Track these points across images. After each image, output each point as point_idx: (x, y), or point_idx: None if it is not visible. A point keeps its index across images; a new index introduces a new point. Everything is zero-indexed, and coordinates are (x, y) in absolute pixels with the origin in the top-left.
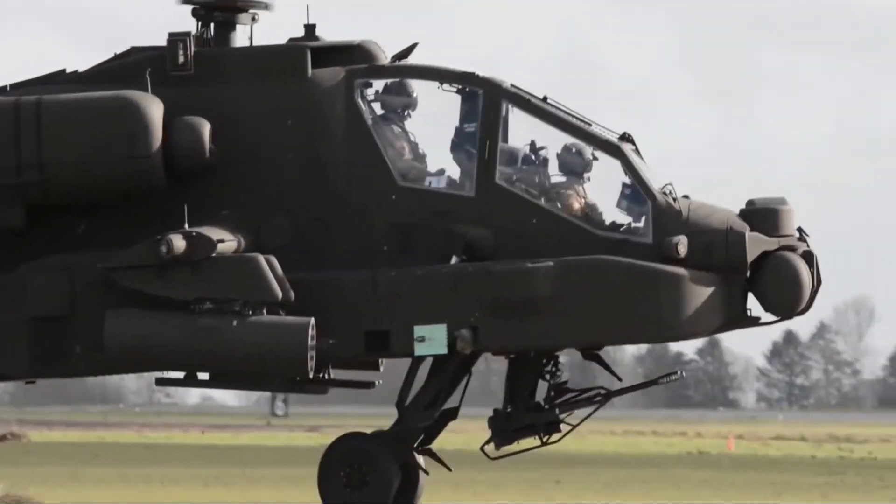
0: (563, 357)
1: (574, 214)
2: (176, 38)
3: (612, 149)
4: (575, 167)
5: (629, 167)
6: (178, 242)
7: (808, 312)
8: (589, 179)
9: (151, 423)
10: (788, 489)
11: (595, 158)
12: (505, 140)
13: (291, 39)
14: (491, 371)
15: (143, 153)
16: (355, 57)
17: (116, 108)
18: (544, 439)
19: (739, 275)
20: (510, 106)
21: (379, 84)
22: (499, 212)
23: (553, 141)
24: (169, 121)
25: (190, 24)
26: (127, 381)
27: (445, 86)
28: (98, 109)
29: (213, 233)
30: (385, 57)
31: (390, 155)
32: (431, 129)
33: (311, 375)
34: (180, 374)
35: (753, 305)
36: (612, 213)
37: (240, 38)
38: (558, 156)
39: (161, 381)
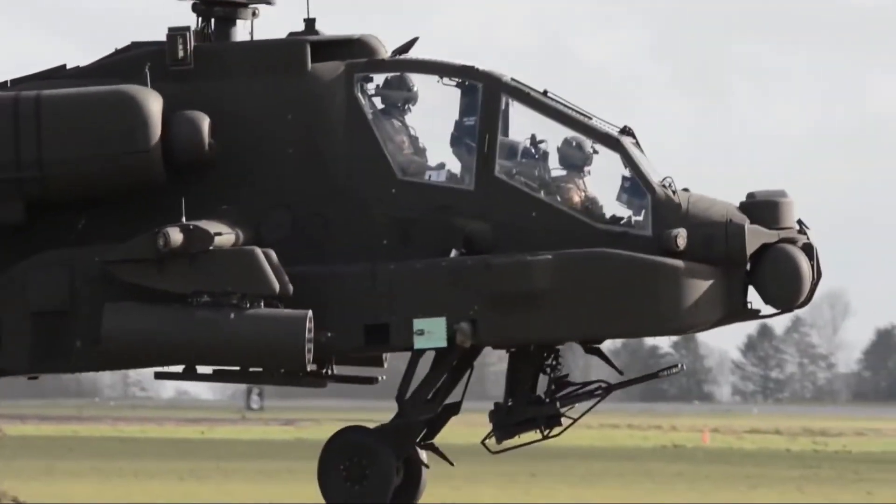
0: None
1: (574, 208)
2: (175, 33)
3: (611, 142)
4: (575, 160)
5: (629, 160)
6: (176, 235)
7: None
8: (589, 173)
9: (126, 416)
10: (763, 482)
11: (595, 152)
12: (505, 134)
13: (291, 34)
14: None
15: (142, 148)
16: (355, 51)
17: (115, 102)
18: (545, 433)
19: (739, 267)
20: (510, 99)
21: (379, 78)
22: (498, 205)
23: (553, 134)
24: (168, 115)
25: (191, 20)
26: (102, 374)
27: (445, 80)
28: (97, 104)
29: (211, 226)
30: (385, 51)
31: (390, 149)
32: (432, 123)
33: (308, 368)
34: (178, 369)
35: (754, 298)
36: (613, 207)
37: (240, 33)
38: (558, 149)
39: (160, 375)
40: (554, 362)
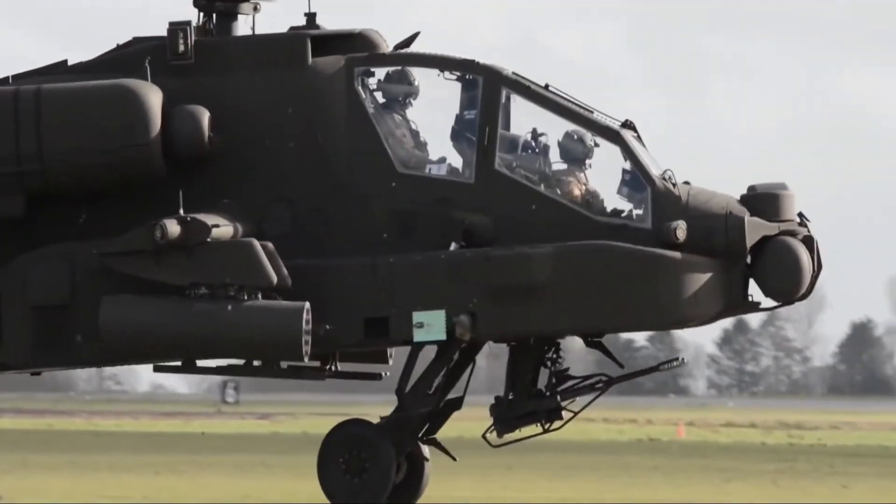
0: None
1: (574, 201)
2: (176, 28)
3: (611, 135)
4: (576, 154)
5: (629, 153)
6: (173, 227)
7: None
8: (590, 166)
9: (101, 410)
10: (738, 476)
11: (596, 145)
12: (507, 127)
13: (292, 28)
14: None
15: (142, 141)
16: (356, 45)
17: (115, 96)
18: (546, 426)
19: (739, 260)
20: (511, 93)
21: (379, 72)
22: (498, 198)
23: (554, 128)
24: (168, 109)
25: (193, 16)
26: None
27: (446, 73)
28: (97, 98)
29: (209, 218)
30: (386, 45)
31: (390, 143)
32: (433, 116)
33: (306, 360)
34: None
35: (755, 292)
36: (614, 200)
37: (242, 28)
38: (559, 143)
39: (159, 368)
40: (554, 356)
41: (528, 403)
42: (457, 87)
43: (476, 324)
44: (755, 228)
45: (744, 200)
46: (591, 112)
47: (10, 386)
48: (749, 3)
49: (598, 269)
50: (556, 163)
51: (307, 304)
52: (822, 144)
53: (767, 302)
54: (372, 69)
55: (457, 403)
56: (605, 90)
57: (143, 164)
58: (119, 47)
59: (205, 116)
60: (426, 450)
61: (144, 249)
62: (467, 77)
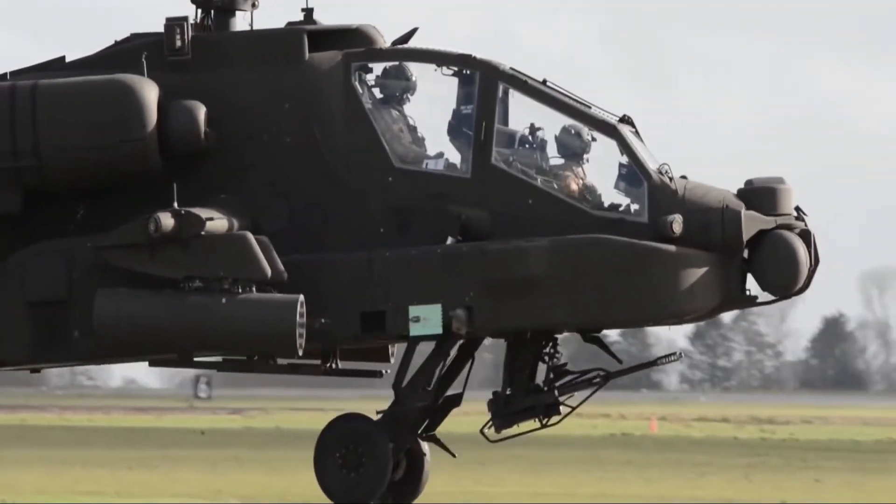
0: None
1: (571, 195)
2: (173, 23)
3: (608, 129)
4: (573, 148)
5: (625, 147)
6: (167, 220)
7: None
8: (587, 161)
9: (74, 405)
10: (711, 470)
11: (593, 139)
12: (504, 122)
13: (289, 23)
14: None
15: (138, 136)
16: (354, 41)
17: (111, 91)
18: (544, 421)
19: (736, 253)
20: (508, 88)
21: (376, 67)
22: (495, 193)
23: (552, 123)
24: (165, 105)
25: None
26: None
27: (443, 68)
28: (93, 93)
29: (204, 212)
30: (384, 41)
31: (387, 138)
32: (430, 111)
33: (300, 353)
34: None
35: (753, 287)
36: (611, 195)
37: (240, 24)
38: (556, 137)
39: (155, 363)
40: (552, 351)
41: (526, 399)
42: (454, 83)
43: (472, 318)
44: (751, 222)
45: (741, 194)
46: (589, 107)
47: None
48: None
49: (594, 262)
50: (554, 157)
51: (301, 297)
52: (793, 139)
53: (765, 296)
54: (369, 64)
55: (456, 400)
56: (578, 84)
57: (139, 160)
58: (117, 43)
59: (201, 111)
60: (426, 447)
61: (139, 243)
62: (464, 72)
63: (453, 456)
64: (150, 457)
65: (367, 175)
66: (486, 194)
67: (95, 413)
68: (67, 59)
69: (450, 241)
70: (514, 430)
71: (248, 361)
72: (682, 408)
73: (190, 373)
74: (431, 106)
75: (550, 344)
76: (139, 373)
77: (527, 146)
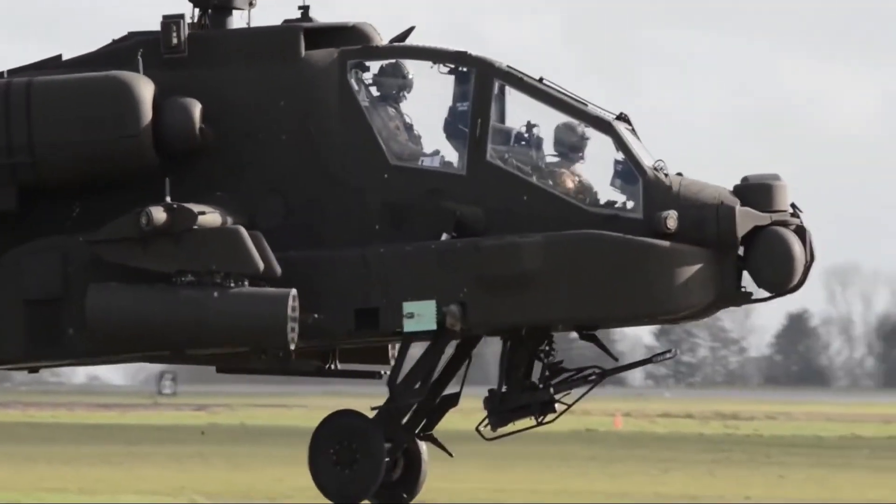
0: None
1: (567, 192)
2: (170, 21)
3: (603, 126)
4: (569, 146)
5: (620, 143)
6: (159, 214)
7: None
8: (583, 158)
9: (37, 402)
10: (675, 466)
11: (589, 137)
12: (502, 120)
13: (286, 21)
14: None
15: (132, 132)
16: (350, 38)
17: (105, 87)
18: (539, 419)
19: (731, 250)
20: (504, 86)
21: (372, 65)
22: (490, 190)
23: (548, 120)
24: (161, 102)
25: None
26: None
27: (439, 66)
28: (87, 89)
29: (196, 206)
30: (380, 39)
31: (383, 135)
32: (426, 109)
33: (292, 347)
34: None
35: (749, 283)
36: (607, 192)
37: (237, 23)
38: (552, 135)
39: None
40: (548, 348)
41: (522, 396)
42: (450, 80)
43: (466, 314)
44: (746, 218)
45: (736, 191)
46: (585, 104)
47: None
48: None
49: (588, 258)
50: (549, 154)
51: (293, 291)
52: (758, 136)
53: (760, 293)
54: (365, 62)
55: (453, 399)
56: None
57: (134, 156)
58: (114, 42)
59: (196, 108)
60: (423, 446)
61: (131, 237)
62: (460, 69)
63: (450, 455)
64: (113, 453)
65: (363, 172)
66: (481, 191)
67: (59, 409)
68: (64, 58)
69: (445, 237)
70: (511, 427)
71: (248, 362)
72: (647, 404)
73: (154, 369)
74: (427, 103)
75: (546, 341)
76: (102, 369)
77: (522, 143)
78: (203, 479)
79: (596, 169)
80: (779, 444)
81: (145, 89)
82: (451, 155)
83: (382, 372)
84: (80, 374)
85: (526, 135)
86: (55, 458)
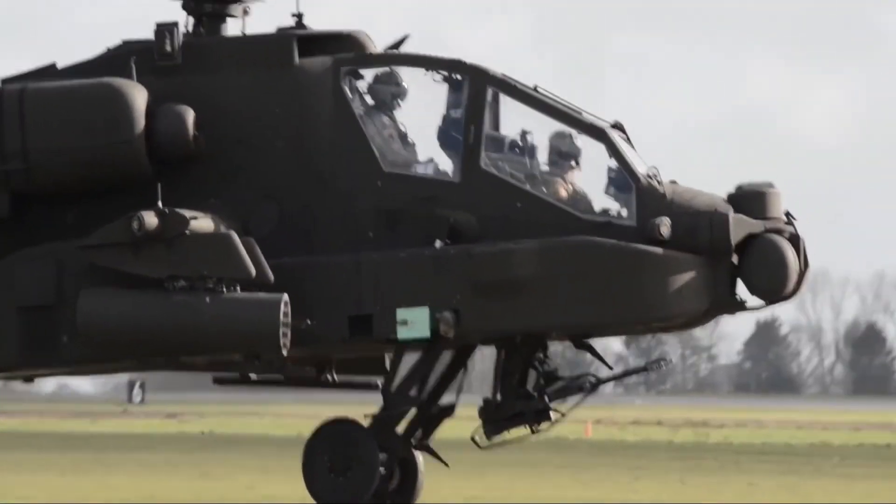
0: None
1: (560, 199)
2: (163, 28)
3: (597, 133)
4: (563, 154)
5: (614, 151)
6: (150, 219)
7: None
8: (577, 165)
9: (7, 410)
10: (646, 474)
11: (582, 144)
12: (496, 128)
13: (280, 28)
14: None
15: (125, 139)
16: (344, 46)
17: (98, 94)
18: (534, 428)
19: (724, 257)
20: (497, 93)
21: (366, 73)
22: (484, 197)
23: (542, 128)
24: (154, 109)
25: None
26: None
27: (432, 73)
28: (80, 96)
29: (188, 211)
30: (374, 47)
31: (377, 142)
32: (420, 116)
33: (284, 352)
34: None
35: (743, 292)
36: (601, 199)
37: (232, 31)
38: (547, 142)
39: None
40: (542, 356)
41: (517, 404)
42: (444, 88)
43: (460, 320)
44: (740, 225)
45: (730, 199)
46: (580, 112)
47: None
48: (654, 1)
49: (581, 264)
50: (543, 162)
51: (285, 296)
52: (726, 142)
53: (754, 300)
54: (359, 70)
55: (449, 410)
56: None
57: (127, 162)
58: (109, 50)
59: (189, 115)
60: (419, 456)
61: (123, 242)
62: (454, 77)
63: (446, 465)
64: (83, 461)
65: (357, 179)
66: (474, 198)
67: (29, 417)
68: (56, 66)
69: (438, 244)
70: (505, 435)
71: (244, 369)
72: (617, 411)
73: (124, 377)
74: (421, 111)
75: (540, 349)
76: (72, 377)
77: (516, 151)
78: (173, 488)
79: (590, 176)
80: (749, 451)
81: (138, 96)
82: (445, 162)
83: (378, 383)
84: (49, 381)
85: (520, 142)
86: (24, 466)
